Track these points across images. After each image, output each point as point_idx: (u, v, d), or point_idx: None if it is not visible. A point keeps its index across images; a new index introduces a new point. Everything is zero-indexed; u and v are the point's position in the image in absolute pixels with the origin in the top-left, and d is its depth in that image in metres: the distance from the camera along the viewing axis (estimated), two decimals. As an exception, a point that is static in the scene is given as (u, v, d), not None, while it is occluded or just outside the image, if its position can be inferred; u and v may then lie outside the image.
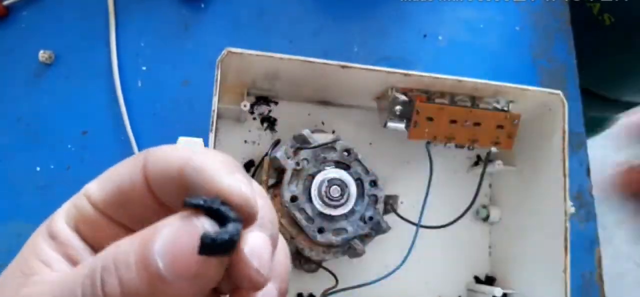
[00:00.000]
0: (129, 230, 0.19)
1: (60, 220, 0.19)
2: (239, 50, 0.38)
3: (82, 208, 0.19)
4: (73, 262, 0.19)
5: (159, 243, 0.15)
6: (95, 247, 0.19)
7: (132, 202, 0.19)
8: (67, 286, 0.16)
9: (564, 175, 0.42)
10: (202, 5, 0.54)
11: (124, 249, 0.16)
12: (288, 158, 0.41)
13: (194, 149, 0.18)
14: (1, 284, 0.19)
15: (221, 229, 0.16)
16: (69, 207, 0.20)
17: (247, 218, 0.17)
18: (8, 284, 0.18)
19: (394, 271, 0.44)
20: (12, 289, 0.18)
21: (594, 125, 0.96)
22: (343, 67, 0.40)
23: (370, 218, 0.42)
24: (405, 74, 0.41)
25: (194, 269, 0.15)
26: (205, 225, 0.16)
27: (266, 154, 0.43)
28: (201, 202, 0.16)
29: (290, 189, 0.41)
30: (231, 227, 0.16)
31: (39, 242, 0.19)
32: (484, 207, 0.52)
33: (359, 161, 0.43)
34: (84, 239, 0.19)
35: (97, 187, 0.19)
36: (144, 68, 0.51)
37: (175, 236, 0.16)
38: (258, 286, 0.17)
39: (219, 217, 0.16)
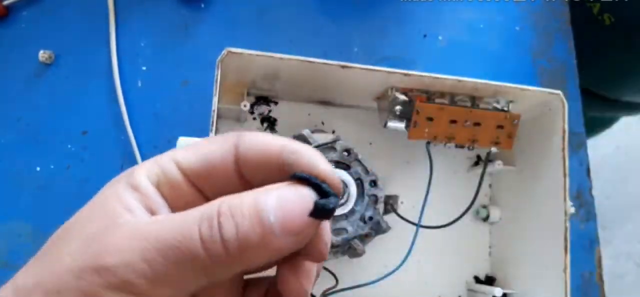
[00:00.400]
0: (206, 198, 0.21)
1: (143, 176, 0.21)
2: (238, 50, 0.38)
3: (168, 170, 0.21)
4: (153, 214, 0.20)
5: (272, 203, 0.18)
6: (172, 207, 0.21)
7: (217, 176, 0.21)
8: (181, 225, 0.18)
9: (564, 175, 0.42)
10: (202, 5, 0.54)
11: (238, 202, 0.19)
12: (288, 158, 0.41)
13: (284, 138, 0.21)
14: (77, 223, 0.20)
15: (325, 200, 0.19)
16: (152, 166, 0.21)
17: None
18: (93, 223, 0.19)
19: (394, 271, 0.44)
20: (98, 227, 0.19)
21: (594, 126, 0.96)
22: (343, 67, 0.40)
23: (370, 218, 0.42)
24: (405, 74, 0.41)
25: (299, 228, 0.18)
26: (312, 194, 0.19)
27: (266, 154, 0.43)
28: (308, 177, 0.19)
29: (290, 189, 0.41)
30: (333, 199, 0.19)
31: (120, 190, 0.20)
32: (484, 207, 0.52)
33: (359, 160, 0.43)
34: (163, 197, 0.21)
35: (187, 156, 0.21)
36: (144, 68, 0.51)
37: (288, 198, 0.19)
38: (322, 258, 0.21)
39: (322, 191, 0.19)
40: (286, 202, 0.19)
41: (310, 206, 0.19)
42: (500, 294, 0.45)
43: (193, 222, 0.18)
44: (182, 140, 0.37)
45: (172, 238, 0.18)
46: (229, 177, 0.21)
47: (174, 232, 0.18)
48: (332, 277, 0.45)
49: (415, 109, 0.43)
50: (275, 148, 0.20)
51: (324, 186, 0.19)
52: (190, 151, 0.21)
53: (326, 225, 0.20)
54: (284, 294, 0.21)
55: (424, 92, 0.44)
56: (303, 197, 0.19)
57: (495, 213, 0.51)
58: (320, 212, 0.19)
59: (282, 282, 0.21)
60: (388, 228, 0.43)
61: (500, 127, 0.45)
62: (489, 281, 0.51)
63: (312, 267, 0.21)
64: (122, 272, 0.17)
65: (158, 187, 0.21)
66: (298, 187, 0.19)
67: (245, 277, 0.24)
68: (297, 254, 0.20)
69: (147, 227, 0.18)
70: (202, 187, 0.21)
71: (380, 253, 0.47)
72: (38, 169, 0.48)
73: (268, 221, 0.18)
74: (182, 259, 0.18)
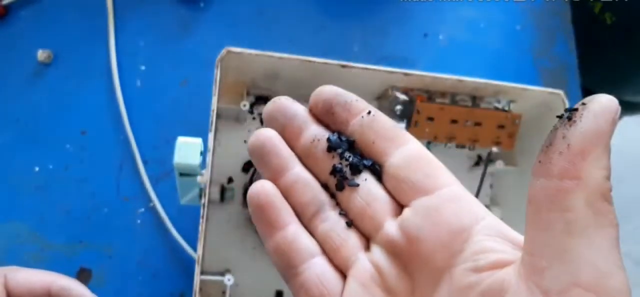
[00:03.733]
0: None
1: None
2: (238, 49, 0.38)
3: None
4: None
5: None
6: None
7: None
8: None
9: (566, 175, 0.42)
10: (202, 5, 0.54)
11: None
12: (288, 158, 0.41)
13: (52, 273, 0.26)
14: None
15: None
16: None
17: None
18: None
19: (394, 272, 0.43)
20: None
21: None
22: (343, 66, 0.40)
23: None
24: (406, 74, 0.41)
25: None
26: None
27: (266, 154, 0.43)
28: None
29: (290, 189, 0.41)
30: None
31: None
32: (485, 207, 0.51)
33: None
34: None
35: None
36: (143, 68, 0.51)
37: None
38: None
39: None
40: None
41: None
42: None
43: None
44: (182, 141, 0.36)
45: None
46: None
47: None
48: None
49: (415, 109, 0.43)
50: (42, 286, 0.26)
51: None
52: None
53: None
54: None
55: (425, 91, 0.43)
56: None
57: (496, 213, 0.50)
58: None
59: None
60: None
61: (501, 127, 0.45)
62: (490, 281, 0.51)
63: None
64: None
65: None
66: None
67: None
68: None
69: None
70: None
71: (381, 253, 0.47)
72: (36, 169, 0.48)
73: None
74: None
